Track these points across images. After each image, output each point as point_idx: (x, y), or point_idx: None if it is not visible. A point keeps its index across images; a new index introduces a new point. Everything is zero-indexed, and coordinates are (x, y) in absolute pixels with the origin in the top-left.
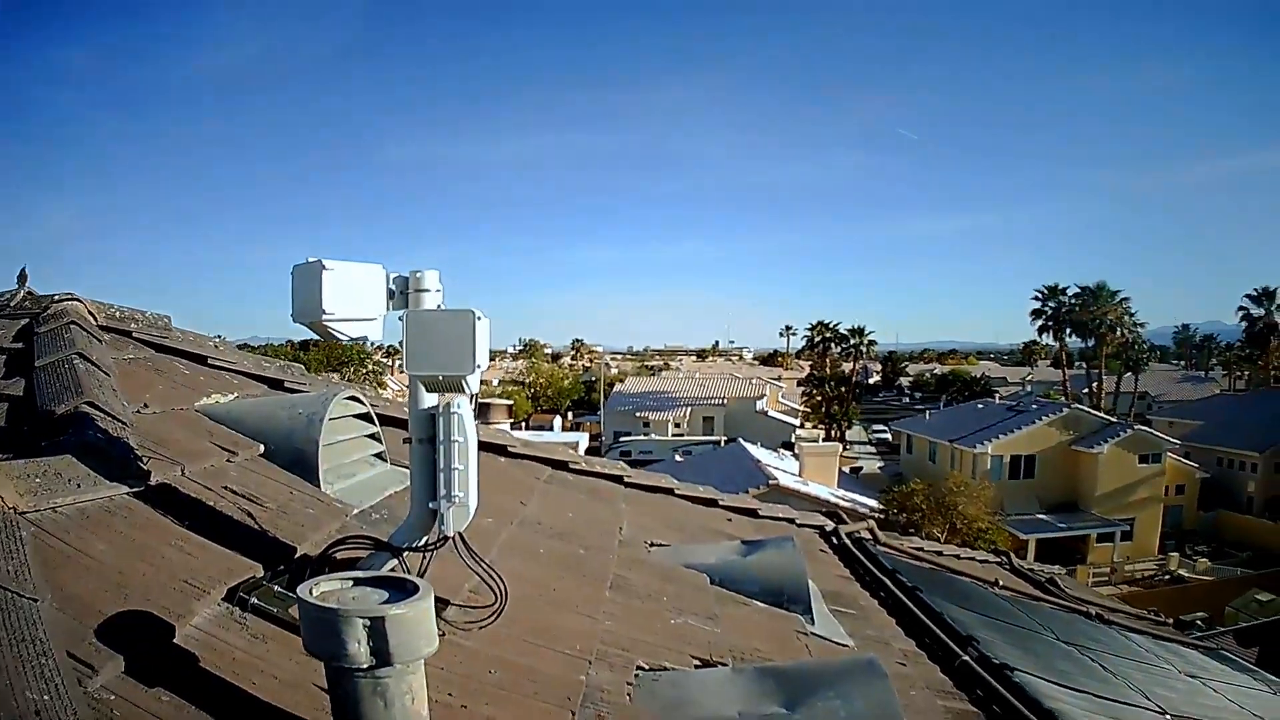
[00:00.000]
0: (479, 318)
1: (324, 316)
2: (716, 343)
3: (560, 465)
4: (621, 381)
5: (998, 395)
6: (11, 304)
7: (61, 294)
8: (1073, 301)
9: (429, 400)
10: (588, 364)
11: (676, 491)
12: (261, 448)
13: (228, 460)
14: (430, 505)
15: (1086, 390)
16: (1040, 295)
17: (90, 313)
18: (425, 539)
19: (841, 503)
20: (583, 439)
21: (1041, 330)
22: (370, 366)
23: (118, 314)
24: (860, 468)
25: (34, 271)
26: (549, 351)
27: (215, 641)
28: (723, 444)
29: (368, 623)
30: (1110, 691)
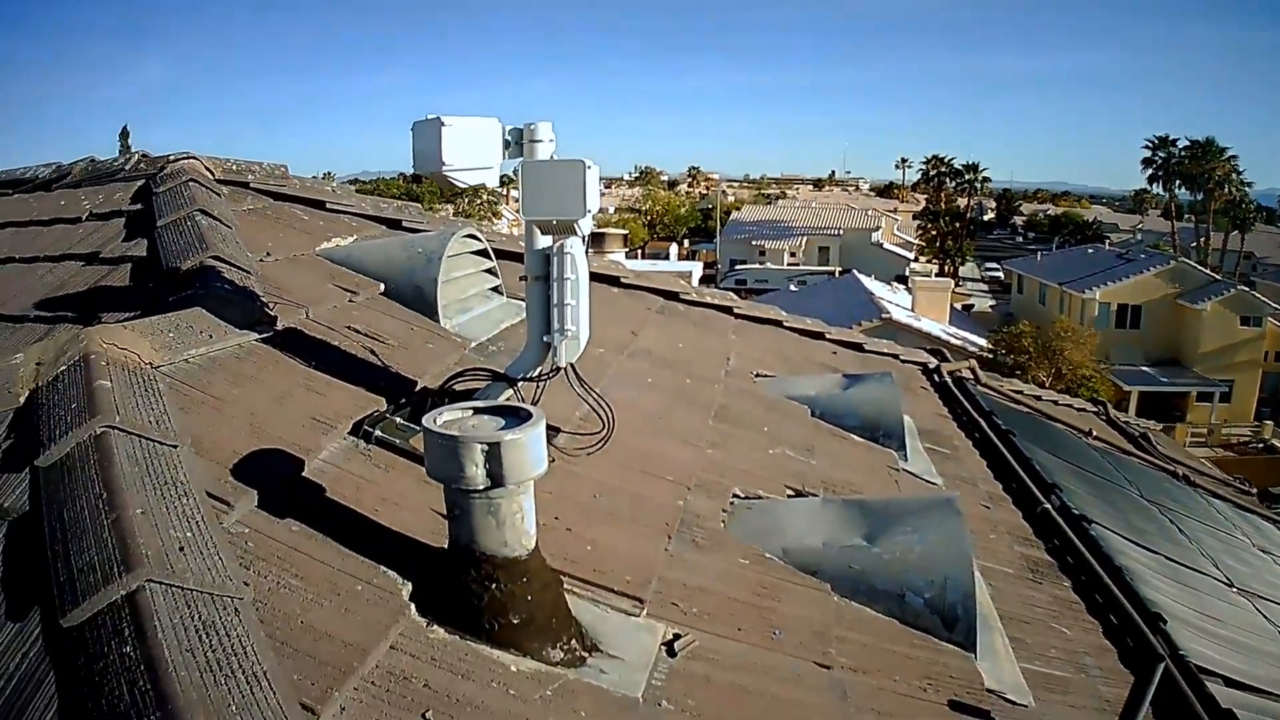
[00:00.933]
0: (589, 166)
1: (444, 167)
2: (833, 172)
3: (671, 296)
4: (738, 210)
5: (1108, 241)
6: (126, 167)
7: (178, 153)
8: (1183, 154)
9: (544, 241)
10: (704, 191)
11: (785, 323)
12: (382, 286)
13: (349, 301)
14: (544, 339)
15: (1194, 244)
16: (1151, 145)
17: (207, 169)
18: (539, 370)
19: (951, 340)
20: (696, 268)
21: (1151, 180)
22: (485, 197)
23: (234, 167)
24: (972, 305)
25: (136, 128)
26: (665, 179)
27: (342, 473)
28: (837, 275)
29: (485, 447)
30: (1182, 555)
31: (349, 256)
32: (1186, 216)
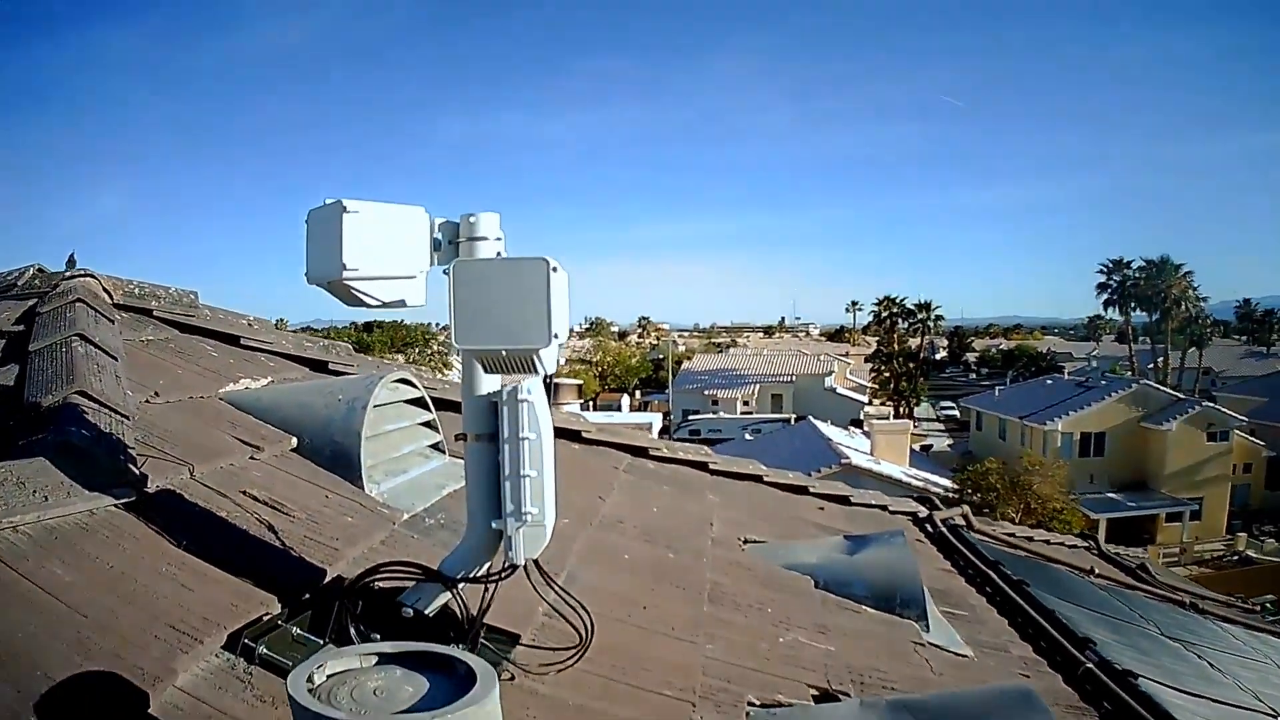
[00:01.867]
0: (554, 268)
1: (345, 274)
2: (783, 319)
3: (640, 452)
4: (689, 359)
5: (1066, 371)
6: (19, 283)
7: (75, 270)
8: (1137, 275)
9: (488, 383)
10: (654, 341)
11: (765, 479)
12: (294, 441)
13: (250, 458)
14: (494, 525)
15: (1151, 366)
16: (1105, 268)
17: (105, 290)
18: (487, 566)
19: (914, 482)
20: (655, 419)
21: (1107, 304)
22: (436, 346)
23: (137, 290)
24: (930, 445)
25: (85, 257)
26: (615, 329)
27: (206, 711)
28: (793, 422)
29: None
30: (1224, 694)
31: (257, 402)
32: (1141, 339)
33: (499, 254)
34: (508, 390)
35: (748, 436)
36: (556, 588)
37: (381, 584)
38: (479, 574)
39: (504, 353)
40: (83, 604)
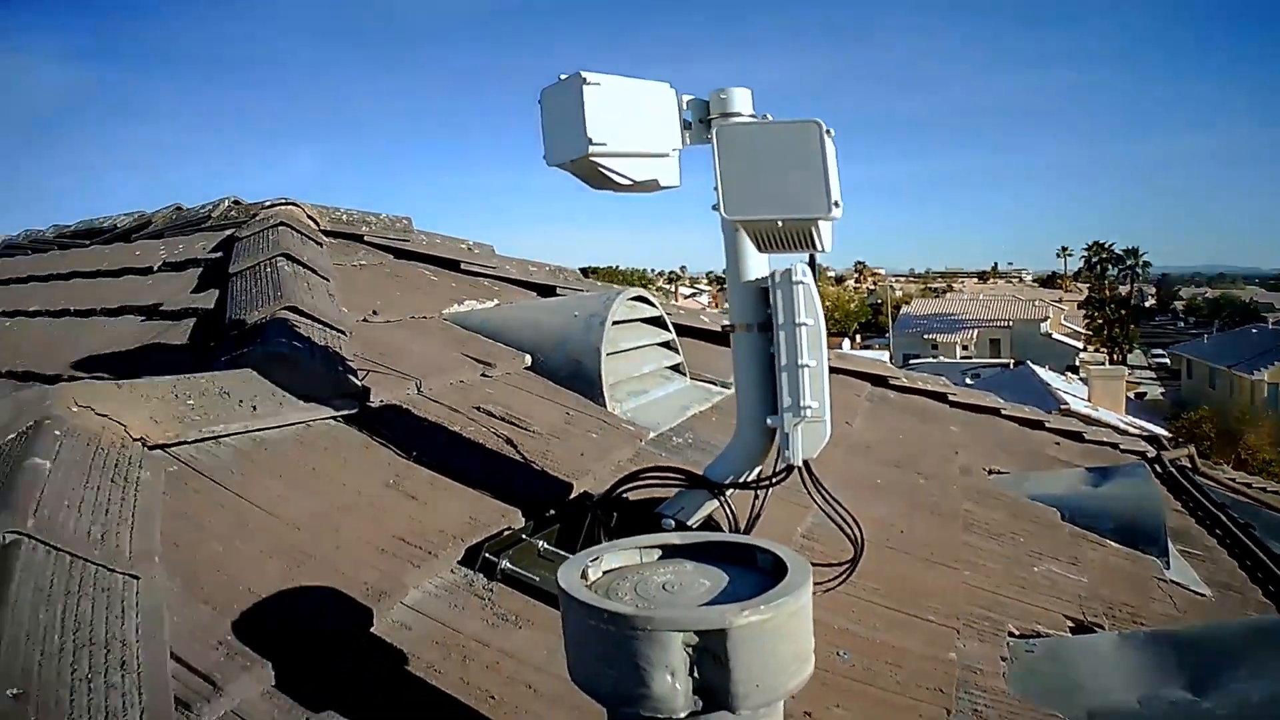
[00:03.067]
0: (828, 130)
1: (592, 149)
2: (995, 264)
3: (880, 381)
4: (907, 304)
5: (1269, 320)
6: (214, 214)
7: (275, 199)
8: None
9: (757, 265)
10: (871, 286)
11: (1003, 412)
12: (528, 359)
13: (482, 375)
14: (768, 422)
15: None
16: None
17: (310, 217)
18: (757, 470)
19: (1132, 430)
20: (884, 357)
21: None
22: (655, 290)
23: (345, 217)
24: (1144, 393)
25: None
26: (832, 275)
27: (438, 631)
28: (1012, 366)
29: (693, 640)
30: None
31: (486, 322)
32: None
33: None
34: (780, 273)
35: (968, 381)
36: (829, 495)
37: (634, 496)
38: (749, 479)
39: (780, 223)
40: (296, 517)
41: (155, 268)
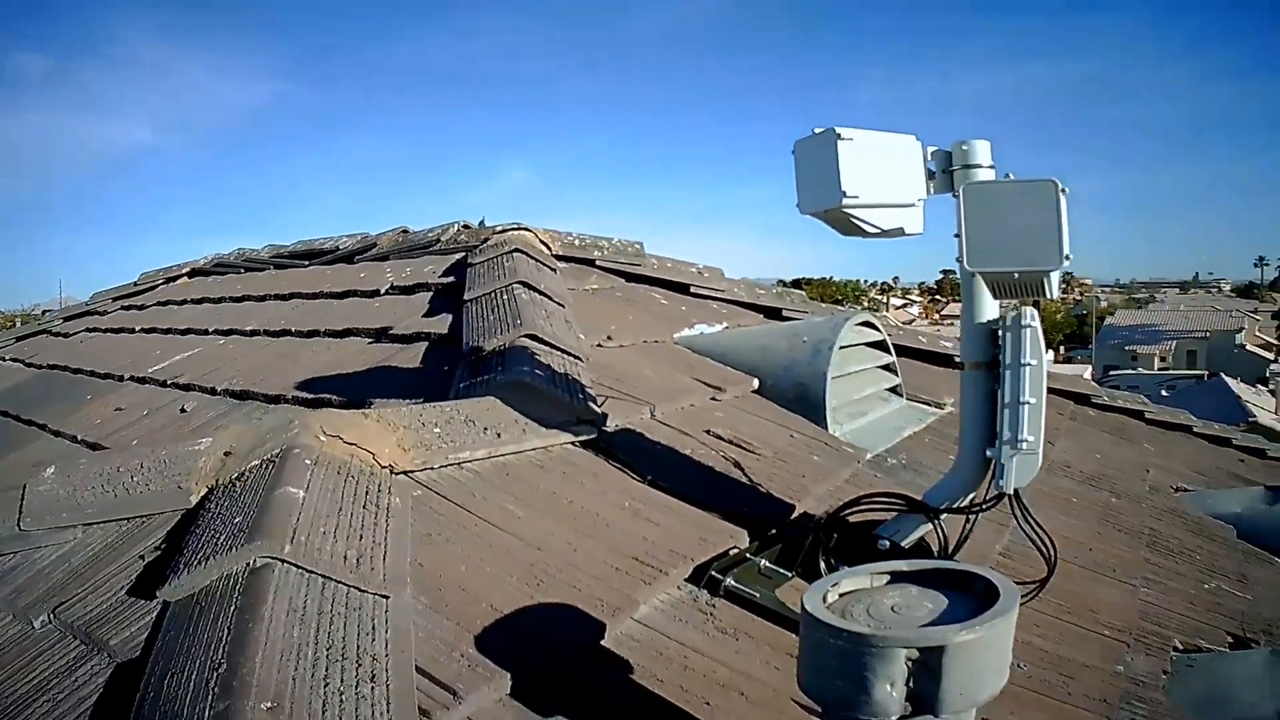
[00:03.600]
0: (1063, 190)
1: (845, 201)
2: (1196, 274)
3: (1082, 399)
4: (1111, 314)
5: None
6: (443, 238)
7: (506, 224)
8: None
9: (989, 310)
10: (1078, 296)
11: (1194, 429)
12: (755, 383)
13: (712, 399)
14: (987, 453)
15: None
16: None
17: (543, 243)
18: (971, 496)
19: None
20: (1085, 371)
21: None
22: (865, 304)
23: (577, 242)
24: None
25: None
26: None
27: (663, 643)
28: (1206, 378)
29: (914, 655)
30: None
31: (715, 345)
32: None
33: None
34: (1010, 316)
35: (1164, 393)
36: (1033, 520)
37: (854, 518)
38: (962, 504)
39: (1016, 275)
40: (536, 538)
41: (383, 290)
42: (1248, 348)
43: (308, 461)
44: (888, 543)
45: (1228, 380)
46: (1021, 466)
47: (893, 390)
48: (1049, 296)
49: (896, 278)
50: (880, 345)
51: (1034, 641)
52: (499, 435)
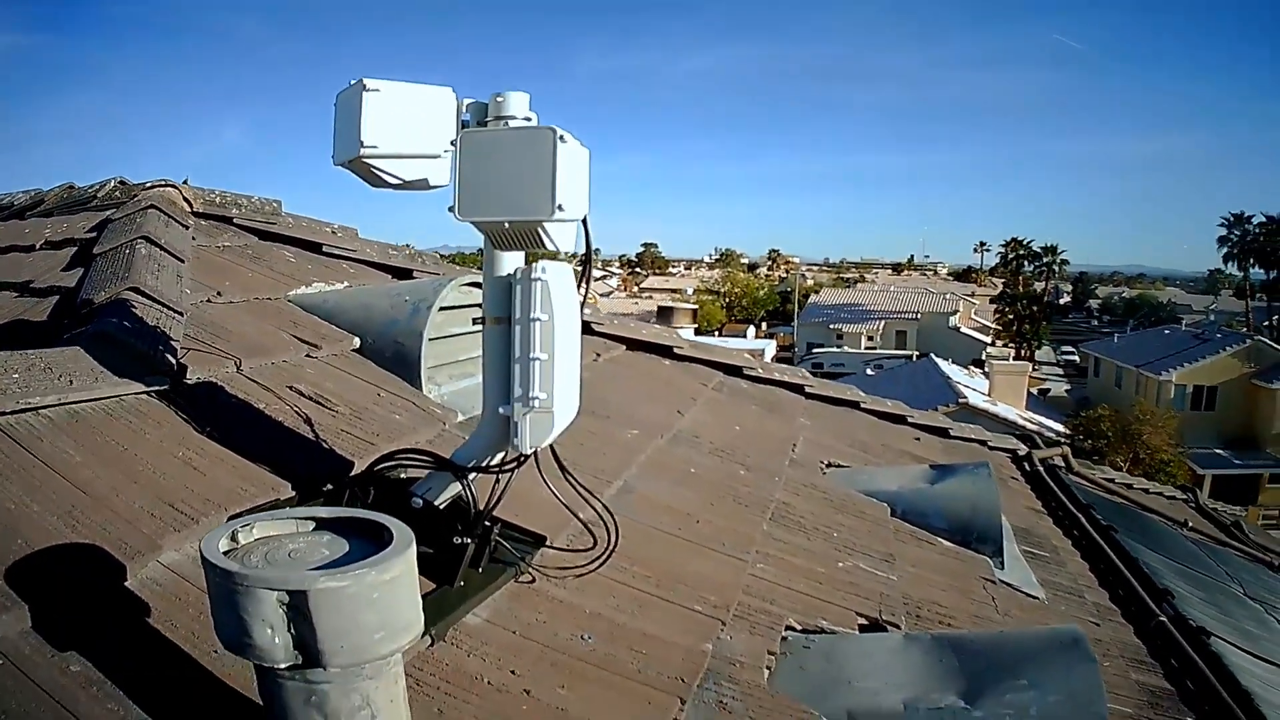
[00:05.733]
0: (561, 137)
1: (363, 151)
2: (912, 257)
3: (734, 371)
4: (817, 293)
5: (1183, 322)
6: (99, 194)
7: (154, 181)
8: (1258, 231)
9: (506, 263)
10: (784, 274)
11: (862, 405)
12: (356, 342)
13: (307, 355)
14: (500, 410)
15: (1267, 323)
16: (1226, 222)
17: (186, 200)
18: (500, 456)
19: (1029, 425)
20: (769, 346)
21: (1227, 258)
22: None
23: (218, 199)
24: (1048, 389)
25: (203, 184)
26: (745, 261)
27: (185, 588)
28: (915, 359)
29: (284, 598)
30: None
31: (323, 303)
32: (1259, 295)
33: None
34: (522, 269)
35: (869, 371)
36: (576, 484)
37: (402, 474)
38: (491, 464)
39: (506, 224)
40: (85, 482)
41: (37, 246)
42: (962, 330)
43: None
44: (420, 501)
45: (938, 362)
46: (535, 425)
47: None
48: (554, 250)
49: (597, 249)
50: None
51: (608, 614)
52: (71, 382)
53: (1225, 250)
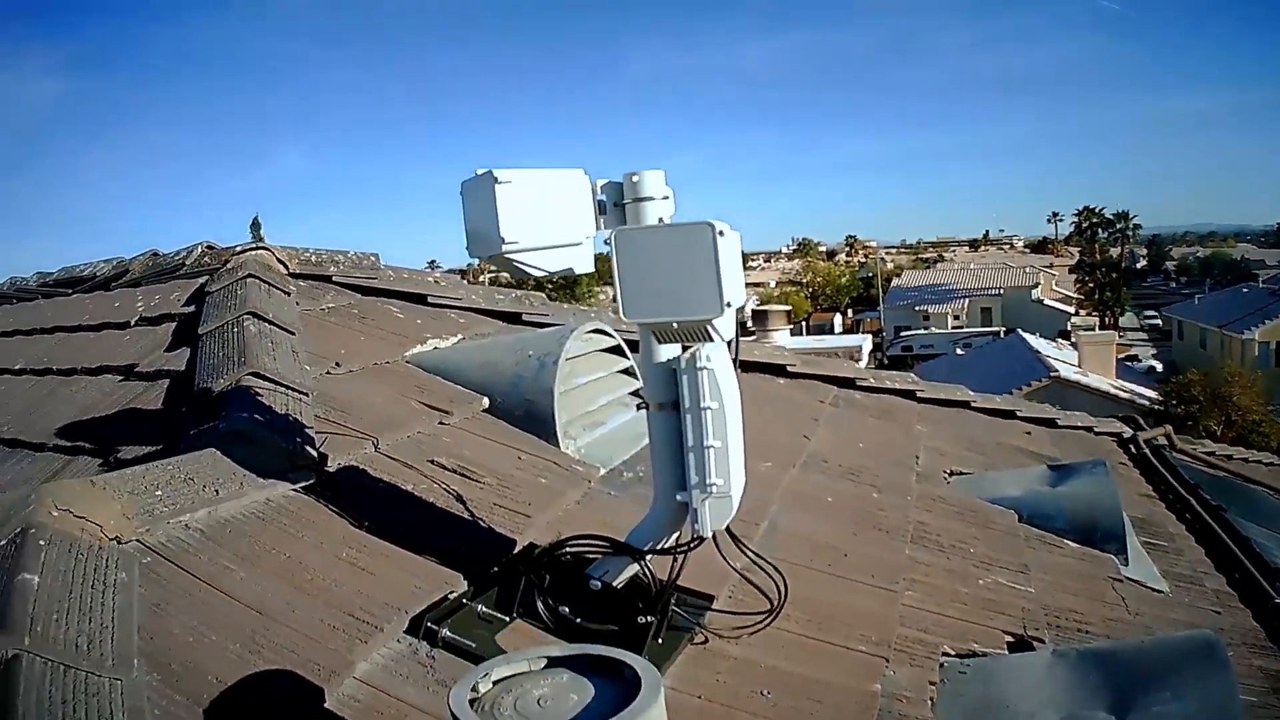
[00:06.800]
0: (720, 232)
1: (505, 248)
2: (986, 232)
3: (846, 384)
4: (898, 276)
5: (1259, 278)
6: (188, 262)
7: (245, 244)
8: None
9: (667, 350)
10: (863, 259)
11: (973, 405)
12: (485, 402)
13: (440, 423)
14: (678, 498)
15: None
16: None
17: (280, 261)
18: (676, 536)
19: (1121, 395)
20: (866, 342)
21: None
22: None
23: (313, 258)
24: (1135, 355)
25: (271, 218)
26: (823, 249)
27: (384, 701)
28: (1002, 335)
29: None
30: None
31: (444, 363)
32: None
33: (664, 216)
34: (686, 358)
35: (959, 351)
36: (749, 553)
37: (573, 552)
38: (667, 545)
39: (675, 325)
40: (256, 600)
41: (132, 322)
42: (1046, 302)
43: (42, 542)
44: (599, 583)
45: (1025, 336)
46: (715, 510)
47: (635, 394)
48: (719, 340)
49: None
50: (617, 350)
51: (779, 666)
52: (217, 492)
53: None
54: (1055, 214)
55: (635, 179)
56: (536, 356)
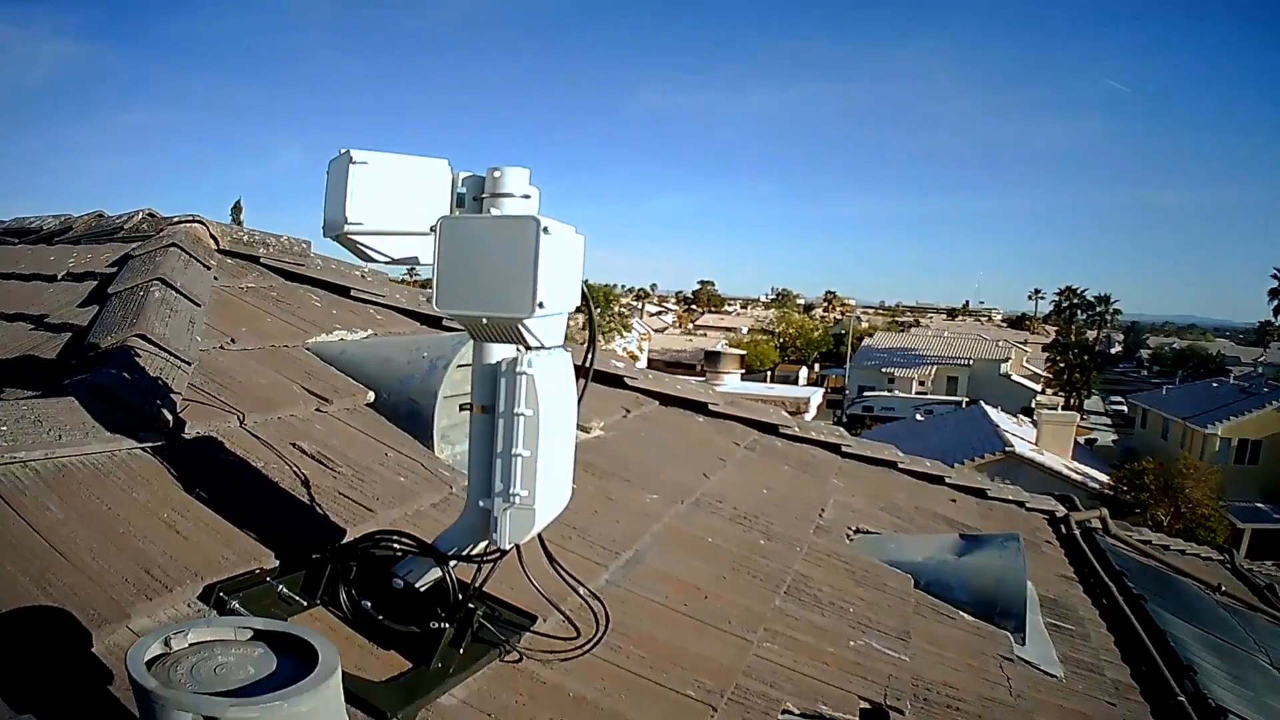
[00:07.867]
0: (545, 229)
1: (348, 228)
2: (966, 302)
3: (769, 429)
4: (870, 336)
5: (1231, 374)
6: (127, 225)
7: (183, 215)
8: None
9: (499, 351)
10: (839, 316)
11: (900, 465)
12: (371, 395)
13: (317, 410)
14: (481, 504)
15: None
16: (1278, 274)
17: (212, 235)
18: (484, 544)
19: (1074, 475)
20: (816, 394)
21: (1277, 311)
22: (617, 309)
23: (245, 238)
24: (1095, 439)
25: (257, 205)
26: (801, 301)
27: None
28: (965, 405)
29: None
30: None
31: (341, 354)
32: None
33: (511, 212)
34: (507, 361)
35: (919, 416)
36: (565, 574)
37: (381, 552)
38: (474, 552)
39: (484, 320)
40: (63, 542)
41: (59, 276)
42: (1013, 377)
43: None
44: (401, 582)
45: (987, 409)
46: (515, 521)
47: None
48: (534, 344)
49: (654, 285)
50: None
51: (588, 697)
52: (60, 437)
53: (1276, 303)
54: (1037, 291)
55: (497, 174)
56: (429, 358)
